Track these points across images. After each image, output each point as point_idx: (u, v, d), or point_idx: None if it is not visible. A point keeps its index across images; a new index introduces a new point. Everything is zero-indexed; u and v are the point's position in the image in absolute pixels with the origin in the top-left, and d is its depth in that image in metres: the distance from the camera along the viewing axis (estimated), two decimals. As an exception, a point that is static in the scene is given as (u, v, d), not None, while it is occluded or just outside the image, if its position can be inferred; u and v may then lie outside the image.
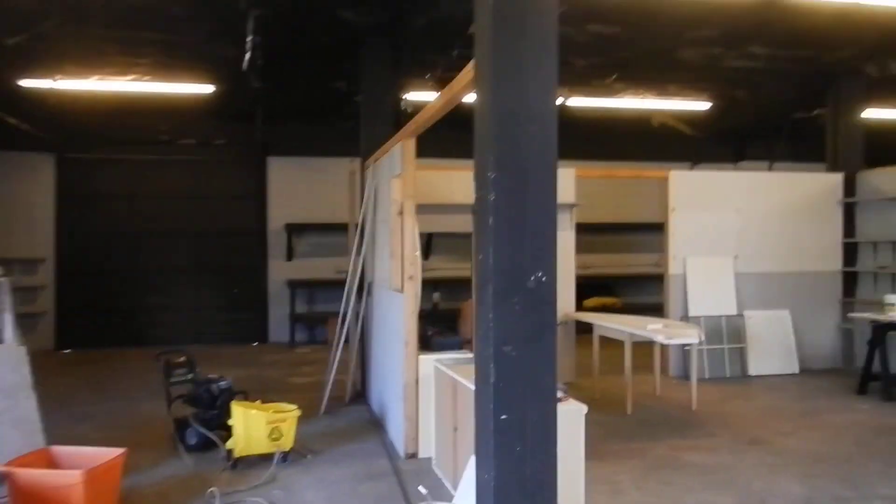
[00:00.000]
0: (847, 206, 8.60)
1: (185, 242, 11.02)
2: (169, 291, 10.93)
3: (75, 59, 7.67)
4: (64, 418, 6.17)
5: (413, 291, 5.11)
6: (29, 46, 6.93)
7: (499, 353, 2.92)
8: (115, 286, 10.77)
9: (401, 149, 5.24)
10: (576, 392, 4.87)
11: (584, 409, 3.67)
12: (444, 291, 10.96)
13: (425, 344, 5.24)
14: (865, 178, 8.57)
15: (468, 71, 3.50)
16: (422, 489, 4.20)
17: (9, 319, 4.08)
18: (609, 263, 12.07)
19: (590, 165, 9.92)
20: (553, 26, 3.14)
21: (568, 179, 7.69)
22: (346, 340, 6.84)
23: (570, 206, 7.71)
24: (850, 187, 8.62)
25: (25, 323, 10.30)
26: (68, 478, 3.60)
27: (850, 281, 8.59)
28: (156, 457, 5.13)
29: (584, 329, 7.36)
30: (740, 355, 8.02)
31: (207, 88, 8.78)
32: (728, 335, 8.01)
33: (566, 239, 7.58)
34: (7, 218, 10.34)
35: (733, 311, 8.07)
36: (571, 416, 3.61)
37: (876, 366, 6.97)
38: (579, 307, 9.05)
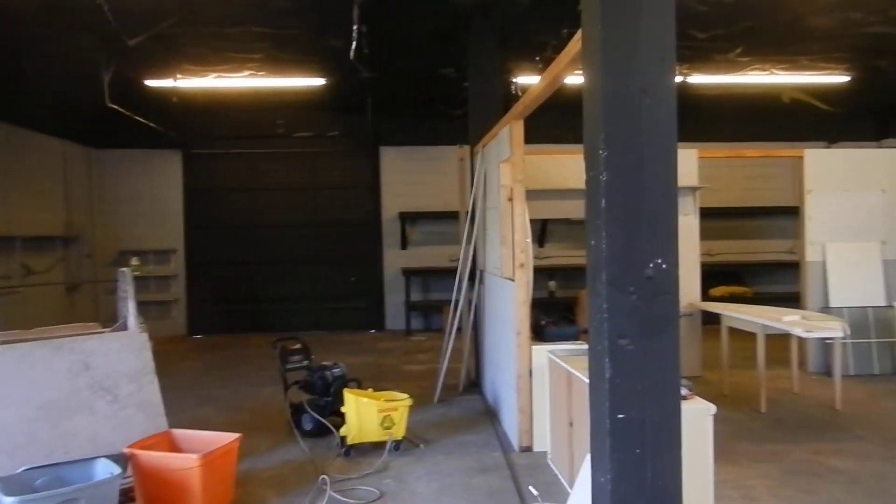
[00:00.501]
0: None
1: (303, 232, 11.35)
2: (289, 280, 11.31)
3: (193, 58, 7.99)
4: (190, 400, 6.48)
5: (525, 279, 4.92)
6: (149, 47, 7.25)
7: (614, 347, 2.69)
8: (238, 275, 11.26)
9: (508, 132, 5.05)
10: (702, 388, 4.53)
11: (711, 408, 3.37)
12: (559, 280, 10.70)
13: (539, 334, 5.05)
14: None
15: (575, 43, 3.26)
16: (532, 489, 4.03)
17: (132, 307, 4.23)
18: (737, 250, 11.36)
19: (714, 147, 9.34)
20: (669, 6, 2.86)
21: (690, 161, 7.23)
22: (460, 329, 6.75)
23: (694, 189, 7.24)
24: None
25: (161, 309, 11.05)
26: (187, 461, 3.70)
27: None
28: (273, 441, 5.25)
29: (710, 320, 6.91)
30: (891, 350, 7.27)
31: (318, 81, 8.93)
32: (876, 328, 7.27)
33: (689, 224, 7.14)
34: (141, 212, 11.04)
35: (882, 301, 7.31)
36: (697, 416, 3.31)
37: None
38: (705, 296, 8.54)
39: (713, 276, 9.95)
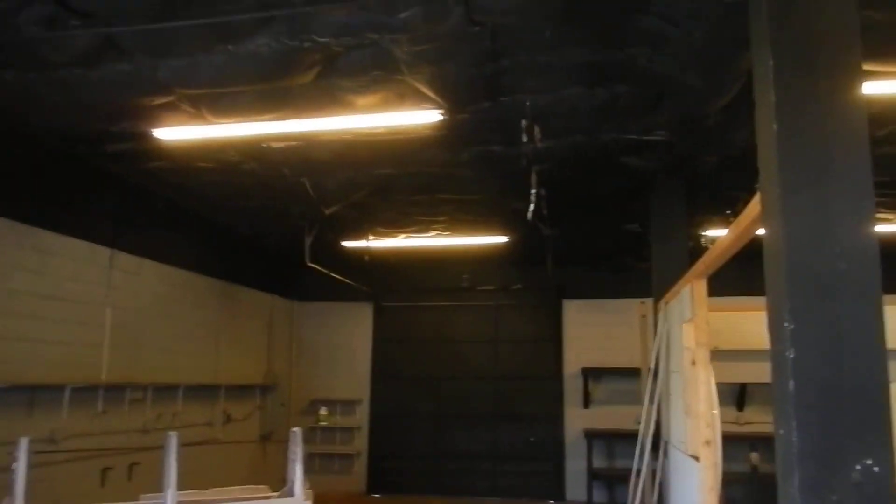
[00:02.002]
0: None
1: (485, 387, 11.20)
2: (469, 437, 11.08)
3: (384, 222, 8.55)
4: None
5: (712, 460, 4.32)
6: (345, 214, 7.87)
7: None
8: (419, 429, 11.24)
9: (690, 291, 4.67)
10: None
11: None
12: (764, 449, 9.46)
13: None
14: None
15: (754, 204, 2.97)
16: None
17: (299, 472, 4.22)
18: None
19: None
20: (862, 146, 2.52)
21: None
22: (643, 505, 6.07)
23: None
24: None
25: (343, 463, 11.20)
26: None
27: None
28: None
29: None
30: None
31: (501, 239, 9.11)
32: None
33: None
34: (333, 361, 11.58)
35: None
36: None
37: None
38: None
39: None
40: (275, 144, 6.04)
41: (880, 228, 8.04)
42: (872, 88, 4.30)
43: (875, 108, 4.77)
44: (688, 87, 4.81)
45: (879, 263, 2.43)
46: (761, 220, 2.79)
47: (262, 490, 4.45)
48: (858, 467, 2.26)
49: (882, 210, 7.74)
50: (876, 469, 2.26)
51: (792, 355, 2.40)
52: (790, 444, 2.36)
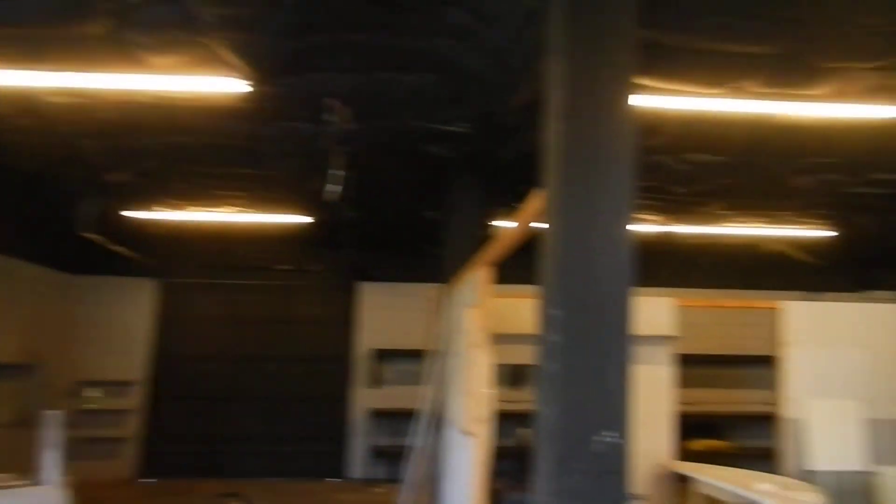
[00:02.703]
0: None
1: (273, 367, 10.97)
2: (251, 419, 10.80)
3: (176, 194, 8.04)
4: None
5: (484, 437, 4.62)
6: (131, 182, 7.30)
7: (558, 538, 2.42)
8: (199, 412, 10.73)
9: (475, 278, 4.94)
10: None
11: None
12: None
13: (497, 499, 4.68)
14: None
15: (536, 199, 3.21)
16: None
17: (53, 457, 3.88)
18: (717, 400, 11.01)
19: (695, 294, 9.26)
20: (628, 153, 2.82)
21: (666, 309, 7.11)
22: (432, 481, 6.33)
23: (669, 339, 7.07)
24: None
25: (110, 447, 10.41)
26: None
27: None
28: None
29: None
30: (877, 521, 6.82)
31: (304, 219, 8.97)
32: (859, 497, 6.86)
33: (662, 375, 6.91)
34: (107, 339, 10.68)
35: (862, 466, 6.95)
36: None
37: None
38: (683, 450, 8.15)
39: (695, 427, 9.57)
40: (54, 99, 5.44)
41: (650, 228, 9.11)
42: (648, 101, 4.78)
43: (650, 118, 5.32)
44: (489, 83, 5.06)
45: (635, 258, 2.74)
46: (541, 214, 3.02)
47: (6, 479, 4.03)
48: (601, 440, 2.55)
49: (652, 212, 8.67)
50: (616, 441, 2.56)
51: (555, 339, 2.64)
52: (547, 421, 2.60)
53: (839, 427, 7.04)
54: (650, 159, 6.31)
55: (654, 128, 5.59)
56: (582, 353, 2.61)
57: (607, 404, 2.59)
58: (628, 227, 2.73)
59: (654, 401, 6.86)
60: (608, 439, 2.57)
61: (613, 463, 2.55)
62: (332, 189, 6.83)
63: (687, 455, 8.01)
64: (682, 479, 6.67)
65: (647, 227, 8.98)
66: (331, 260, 11.10)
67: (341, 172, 6.38)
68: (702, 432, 10.16)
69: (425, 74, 5.02)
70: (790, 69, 4.38)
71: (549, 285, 2.74)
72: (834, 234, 9.40)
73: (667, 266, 10.73)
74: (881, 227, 9.20)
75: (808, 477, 6.70)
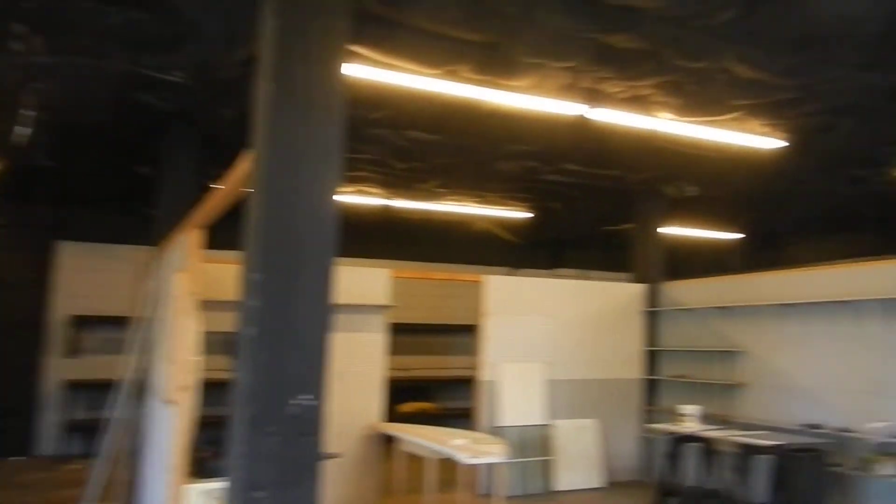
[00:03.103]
0: (650, 314, 8.99)
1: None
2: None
3: None
4: None
5: (187, 405, 4.43)
6: None
7: (249, 502, 2.41)
8: None
9: (184, 241, 4.68)
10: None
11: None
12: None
13: (200, 468, 4.52)
14: (665, 290, 9.04)
15: (246, 161, 3.11)
16: None
17: None
18: (429, 365, 11.80)
19: (411, 266, 9.76)
20: (338, 121, 2.85)
21: (382, 280, 7.41)
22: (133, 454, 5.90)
23: (383, 308, 7.38)
24: (652, 297, 9.04)
25: None
26: None
27: (652, 389, 8.86)
28: None
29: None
30: (548, 469, 7.86)
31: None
32: (537, 447, 7.86)
33: (376, 342, 7.22)
34: None
35: (543, 420, 7.97)
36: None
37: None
38: (396, 413, 8.60)
39: (405, 391, 10.15)
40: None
41: (370, 201, 9.36)
42: (368, 73, 4.84)
43: (372, 92, 5.41)
44: (210, 32, 4.77)
45: (340, 227, 2.79)
46: (249, 176, 2.94)
47: None
48: (296, 402, 2.58)
49: (373, 185, 8.90)
50: (311, 404, 2.61)
51: (253, 303, 2.61)
52: (242, 384, 2.57)
53: (524, 387, 7.96)
54: (372, 132, 6.48)
55: (377, 102, 5.73)
56: (280, 318, 2.61)
57: (304, 368, 2.63)
58: (335, 195, 2.78)
59: (367, 366, 7.14)
60: (304, 402, 2.61)
61: (308, 425, 2.61)
62: (22, 132, 5.98)
63: (398, 417, 8.48)
64: (390, 440, 7.06)
65: (367, 199, 9.24)
66: (23, 215, 9.73)
67: (32, 112, 5.60)
68: (412, 395, 10.82)
69: (133, 10, 4.57)
70: (496, 59, 4.77)
71: (250, 249, 2.69)
72: (531, 216, 10.53)
73: (384, 239, 11.17)
74: (570, 213, 10.52)
75: (497, 432, 7.49)
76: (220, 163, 7.75)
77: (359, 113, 5.91)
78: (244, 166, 3.17)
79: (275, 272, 2.61)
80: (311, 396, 2.62)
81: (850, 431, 6.41)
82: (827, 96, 5.56)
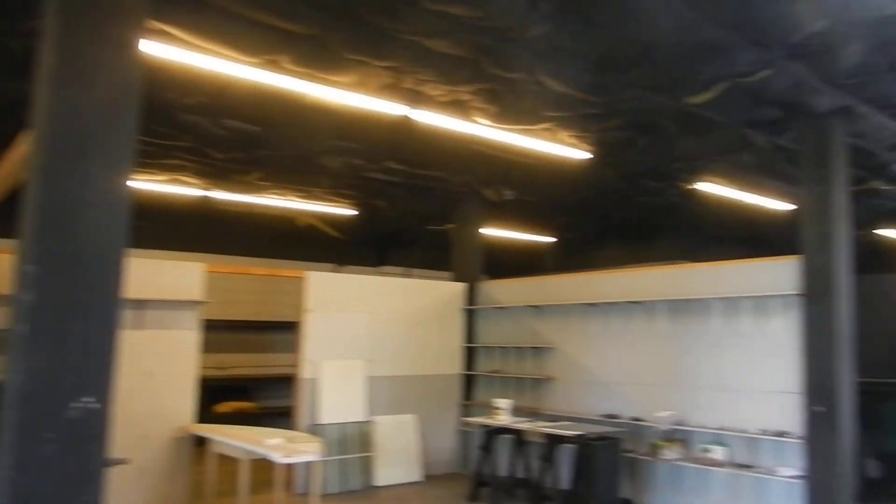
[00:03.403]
0: (468, 312, 9.30)
1: None
2: None
3: None
4: None
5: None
6: None
7: (13, 514, 2.19)
8: None
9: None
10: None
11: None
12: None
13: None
14: (483, 289, 9.40)
15: (23, 144, 2.83)
16: None
17: None
18: (249, 363, 11.40)
19: (233, 261, 9.37)
20: (133, 101, 2.66)
21: (195, 274, 7.06)
22: None
23: (196, 304, 7.03)
24: (471, 296, 9.36)
25: None
26: None
27: (470, 384, 9.17)
28: None
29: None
30: (368, 465, 7.89)
31: None
32: (357, 443, 7.86)
33: (188, 339, 6.87)
34: None
35: (363, 417, 7.99)
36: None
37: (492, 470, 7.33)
38: (211, 413, 8.24)
39: (223, 390, 9.76)
40: None
41: (184, 191, 8.84)
42: (181, 56, 4.55)
43: (185, 76, 5.11)
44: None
45: (132, 216, 2.61)
46: (27, 161, 2.68)
47: None
48: (78, 405, 2.39)
49: (188, 174, 8.43)
50: (94, 407, 2.42)
51: (31, 299, 2.38)
52: (14, 387, 2.33)
53: (345, 384, 7.94)
54: (186, 118, 6.13)
55: (191, 87, 5.44)
56: (59, 315, 2.40)
57: (87, 368, 2.44)
58: (127, 181, 2.60)
59: (178, 365, 6.78)
60: (88, 405, 2.42)
61: (91, 429, 2.42)
62: None
63: (213, 417, 8.12)
64: (203, 442, 6.74)
65: (184, 189, 8.76)
66: None
67: None
68: (230, 395, 10.41)
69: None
70: (319, 53, 4.70)
71: (26, 239, 2.45)
72: (356, 213, 10.52)
73: (203, 232, 10.65)
74: (393, 211, 10.63)
75: (317, 429, 7.41)
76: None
77: (171, 97, 5.59)
78: (22, 148, 2.89)
79: (53, 264, 2.39)
80: (95, 399, 2.43)
81: (641, 420, 7.04)
82: (626, 114, 6.06)
